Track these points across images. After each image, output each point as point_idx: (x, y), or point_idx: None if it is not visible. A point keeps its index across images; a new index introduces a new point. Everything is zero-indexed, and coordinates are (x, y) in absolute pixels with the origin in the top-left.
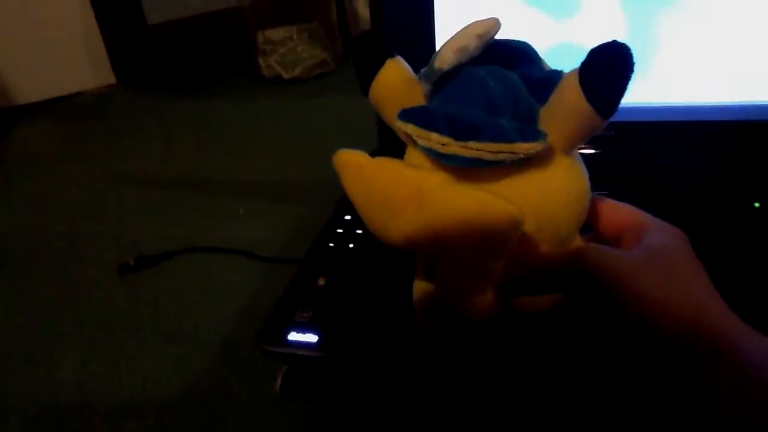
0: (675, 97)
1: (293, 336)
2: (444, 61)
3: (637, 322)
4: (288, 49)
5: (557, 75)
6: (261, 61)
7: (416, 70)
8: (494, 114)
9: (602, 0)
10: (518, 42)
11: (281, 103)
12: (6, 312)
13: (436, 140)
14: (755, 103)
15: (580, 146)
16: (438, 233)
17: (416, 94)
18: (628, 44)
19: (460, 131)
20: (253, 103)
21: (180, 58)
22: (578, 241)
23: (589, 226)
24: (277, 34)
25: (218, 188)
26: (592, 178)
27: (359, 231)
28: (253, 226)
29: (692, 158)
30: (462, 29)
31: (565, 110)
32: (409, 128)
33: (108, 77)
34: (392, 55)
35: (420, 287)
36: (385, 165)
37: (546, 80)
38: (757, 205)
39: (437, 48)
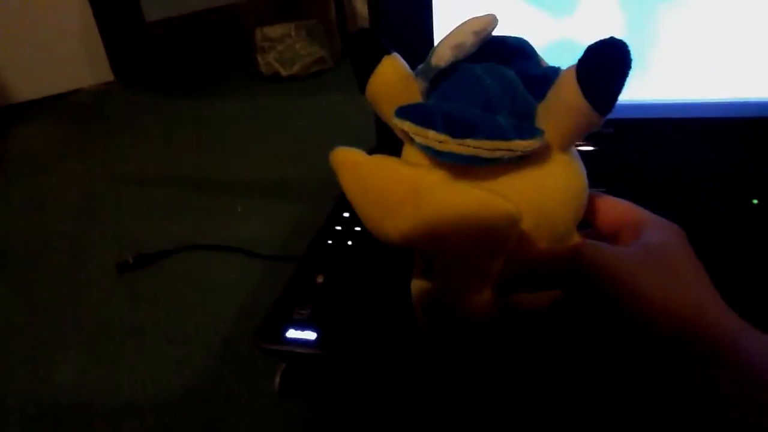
0: (673, 93)
1: (292, 333)
2: (441, 58)
3: (636, 321)
4: (286, 47)
5: (554, 72)
6: (259, 59)
7: (416, 67)
8: (491, 111)
9: None
10: (515, 38)
11: (280, 101)
12: (6, 312)
13: (433, 138)
14: (754, 100)
15: (578, 143)
16: (435, 231)
17: (413, 91)
18: (625, 41)
19: (457, 129)
20: (251, 100)
21: (178, 55)
22: (576, 238)
23: (587, 222)
24: (275, 31)
25: (217, 186)
26: (590, 175)
27: (358, 228)
28: (251, 223)
29: (691, 155)
30: (459, 26)
31: (563, 107)
32: (406, 125)
33: (106, 74)
34: (389, 52)
35: (418, 285)
36: (382, 163)
37: (543, 77)
38: (755, 201)
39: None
